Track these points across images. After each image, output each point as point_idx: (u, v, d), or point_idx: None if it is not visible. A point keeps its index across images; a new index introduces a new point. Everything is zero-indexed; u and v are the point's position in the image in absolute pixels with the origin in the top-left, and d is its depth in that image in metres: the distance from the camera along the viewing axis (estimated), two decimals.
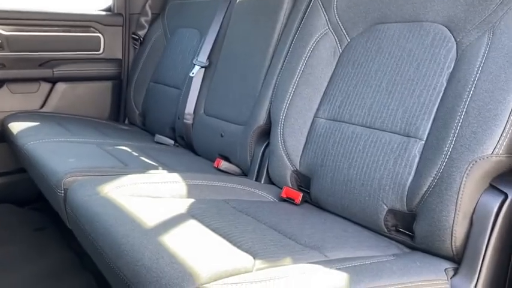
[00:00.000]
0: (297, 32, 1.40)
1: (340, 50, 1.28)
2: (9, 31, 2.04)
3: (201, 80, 1.76)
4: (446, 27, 1.05)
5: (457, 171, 0.88)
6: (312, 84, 1.30)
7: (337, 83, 1.24)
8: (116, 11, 2.32)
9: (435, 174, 0.93)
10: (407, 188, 0.99)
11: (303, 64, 1.32)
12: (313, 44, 1.32)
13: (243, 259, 0.77)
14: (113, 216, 0.87)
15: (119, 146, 1.57)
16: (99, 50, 2.28)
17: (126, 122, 2.33)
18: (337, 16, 1.31)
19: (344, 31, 1.29)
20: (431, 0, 1.09)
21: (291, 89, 1.32)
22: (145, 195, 1.04)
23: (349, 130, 1.15)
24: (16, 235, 1.74)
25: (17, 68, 2.07)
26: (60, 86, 2.19)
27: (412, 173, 0.99)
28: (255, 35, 1.55)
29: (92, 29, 2.24)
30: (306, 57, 1.32)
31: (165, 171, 1.30)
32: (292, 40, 1.40)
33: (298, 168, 1.27)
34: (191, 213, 0.96)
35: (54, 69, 2.14)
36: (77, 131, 1.76)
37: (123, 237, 0.79)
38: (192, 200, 1.06)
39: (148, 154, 1.52)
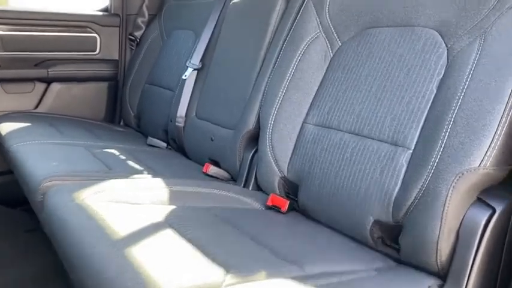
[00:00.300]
0: (288, 34, 1.36)
1: (331, 54, 1.24)
2: (5, 30, 2.03)
3: (193, 83, 1.74)
4: (437, 32, 1.01)
5: (443, 184, 0.84)
6: (302, 89, 1.26)
7: (327, 88, 1.21)
8: (112, 12, 2.30)
9: (421, 186, 0.89)
10: (393, 198, 0.95)
11: (293, 68, 1.29)
12: (304, 47, 1.29)
13: (214, 273, 0.74)
14: (83, 224, 0.84)
15: (108, 148, 1.54)
16: (95, 51, 2.26)
17: (122, 123, 2.31)
18: (328, 19, 1.27)
19: (335, 35, 1.25)
20: (423, 4, 1.05)
21: (280, 93, 1.29)
22: (124, 202, 1.01)
23: (337, 137, 1.11)
24: (6, 236, 1.72)
25: (12, 67, 2.06)
26: (55, 86, 2.18)
27: (399, 183, 0.95)
28: (247, 37, 1.52)
29: (89, 29, 2.23)
30: (296, 61, 1.29)
31: (149, 176, 1.27)
32: (284, 43, 1.37)
33: (286, 174, 1.23)
34: (168, 222, 0.93)
35: (49, 69, 2.13)
36: (68, 133, 1.74)
37: (90, 247, 0.76)
38: (172, 207, 1.03)
39: (136, 158, 1.49)
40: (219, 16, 1.77)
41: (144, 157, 1.52)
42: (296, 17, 1.37)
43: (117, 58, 2.32)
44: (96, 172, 1.22)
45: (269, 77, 1.36)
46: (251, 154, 1.40)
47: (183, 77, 1.73)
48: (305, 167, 1.17)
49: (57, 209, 0.96)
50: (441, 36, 1.00)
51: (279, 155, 1.26)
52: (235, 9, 1.64)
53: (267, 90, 1.36)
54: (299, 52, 1.29)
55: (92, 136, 1.77)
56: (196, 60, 1.74)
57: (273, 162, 1.26)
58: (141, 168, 1.35)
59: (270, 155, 1.27)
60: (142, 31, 2.30)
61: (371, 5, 1.18)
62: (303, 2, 1.37)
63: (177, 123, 1.72)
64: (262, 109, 1.34)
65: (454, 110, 0.88)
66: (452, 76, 0.93)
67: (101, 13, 2.28)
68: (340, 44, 1.23)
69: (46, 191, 1.06)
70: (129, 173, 1.27)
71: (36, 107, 2.15)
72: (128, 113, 2.21)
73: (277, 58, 1.37)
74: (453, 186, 0.83)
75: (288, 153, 1.25)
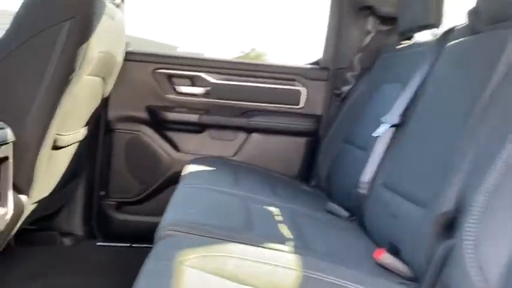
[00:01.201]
0: None
1: None
2: (217, 79, 2.12)
3: (387, 142, 1.39)
4: None
5: None
6: None
7: None
8: (322, 65, 2.17)
9: None
10: None
11: None
12: None
13: None
14: None
15: (271, 206, 1.33)
16: (298, 104, 2.15)
17: (313, 183, 2.09)
18: None
19: None
20: None
21: None
22: (229, 277, 0.75)
23: None
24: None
25: (219, 114, 2.12)
26: (254, 137, 2.14)
27: None
28: (459, 90, 1.11)
29: (295, 82, 2.14)
30: None
31: (293, 249, 0.98)
32: None
33: None
34: None
35: (250, 119, 2.11)
36: (244, 183, 1.61)
37: None
38: None
39: (295, 222, 1.22)
40: (431, 65, 1.40)
41: (305, 224, 1.24)
42: None
43: (319, 113, 2.15)
44: (229, 230, 1.01)
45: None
46: (445, 248, 0.96)
47: (375, 134, 1.41)
48: None
49: (155, 265, 0.77)
50: None
51: (485, 258, 0.81)
52: (450, 54, 1.26)
53: (477, 157, 0.92)
54: None
55: (266, 190, 1.60)
56: (394, 115, 1.40)
57: (475, 269, 0.81)
58: (290, 237, 1.08)
59: (469, 256, 0.83)
60: (349, 86, 2.08)
61: None
62: None
63: (359, 190, 1.39)
64: (467, 184, 0.91)
65: None
66: None
67: (309, 66, 2.18)
68: None
69: (160, 239, 0.90)
70: (270, 239, 1.01)
71: (234, 155, 2.14)
72: (320, 172, 1.99)
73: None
74: None
75: (503, 259, 0.78)
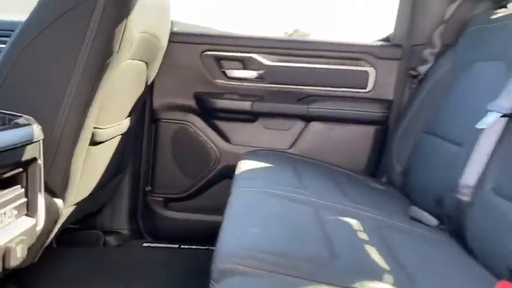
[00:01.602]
0: None
1: None
2: (272, 61, 1.87)
3: (497, 137, 1.10)
4: None
5: None
6: None
7: None
8: (395, 42, 1.87)
9: None
10: None
11: None
12: None
13: None
14: None
15: (347, 217, 1.08)
16: (365, 88, 1.86)
17: (384, 179, 1.81)
18: None
19: None
20: None
21: None
22: None
23: None
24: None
25: (274, 101, 1.87)
26: (314, 126, 1.89)
27: None
28: None
29: (362, 62, 1.85)
30: None
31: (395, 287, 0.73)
32: None
33: None
34: None
35: (309, 106, 1.85)
36: (309, 183, 1.37)
37: None
38: None
39: (386, 243, 0.96)
40: None
41: (395, 241, 0.98)
42: None
43: (391, 98, 1.86)
44: (308, 261, 0.77)
45: None
46: None
47: (479, 126, 1.11)
48: None
49: None
50: None
51: None
52: None
53: None
54: None
55: (337, 192, 1.35)
56: (507, 102, 1.10)
57: None
58: (385, 267, 0.82)
59: None
60: (428, 65, 1.77)
61: None
62: None
63: (459, 195, 1.12)
64: None
65: None
66: None
67: (379, 43, 1.88)
68: None
69: (219, 277, 0.68)
70: (363, 274, 0.76)
71: (291, 146, 1.90)
72: (394, 167, 1.71)
73: None
74: None
75: None
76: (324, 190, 1.34)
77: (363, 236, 0.96)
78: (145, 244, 1.89)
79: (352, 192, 1.42)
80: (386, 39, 1.90)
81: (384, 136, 1.87)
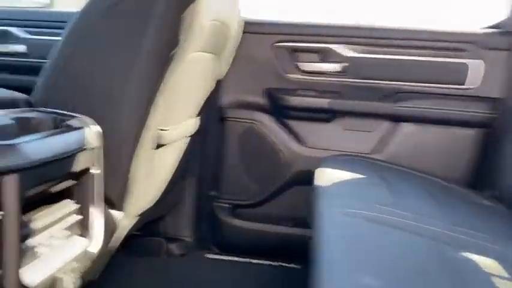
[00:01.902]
0: None
1: None
2: (355, 52, 1.63)
3: None
4: None
5: None
6: None
7: None
8: (506, 29, 1.56)
9: None
10: None
11: None
12: None
13: None
14: None
15: (467, 251, 0.83)
16: (464, 84, 1.57)
17: (489, 193, 1.52)
18: None
19: None
20: None
21: None
22: None
23: None
24: None
25: (355, 98, 1.64)
26: (404, 128, 1.63)
27: None
28: None
29: (464, 53, 1.57)
30: None
31: None
32: None
33: None
34: None
35: (397, 104, 1.59)
36: (406, 201, 1.13)
37: None
38: None
39: None
40: None
41: None
42: None
43: (498, 96, 1.56)
44: None
45: None
46: None
47: None
48: None
49: None
50: None
51: None
52: None
53: None
54: None
55: (442, 214, 1.10)
56: None
57: None
58: None
59: None
60: None
61: None
62: None
63: None
64: None
65: None
66: None
67: (485, 31, 1.58)
68: None
69: None
70: None
71: (374, 151, 1.65)
72: (504, 179, 1.42)
73: None
74: None
75: None
76: (424, 209, 1.09)
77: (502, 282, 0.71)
78: (209, 255, 1.74)
79: (459, 213, 1.16)
80: (496, 26, 1.59)
81: (488, 141, 1.57)
